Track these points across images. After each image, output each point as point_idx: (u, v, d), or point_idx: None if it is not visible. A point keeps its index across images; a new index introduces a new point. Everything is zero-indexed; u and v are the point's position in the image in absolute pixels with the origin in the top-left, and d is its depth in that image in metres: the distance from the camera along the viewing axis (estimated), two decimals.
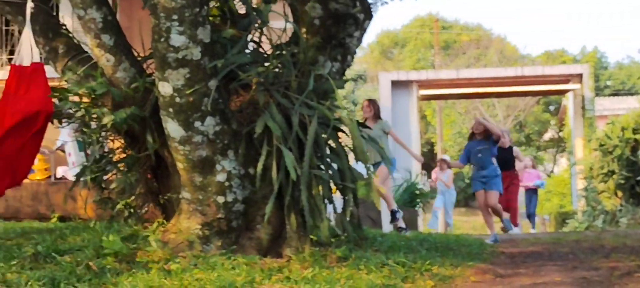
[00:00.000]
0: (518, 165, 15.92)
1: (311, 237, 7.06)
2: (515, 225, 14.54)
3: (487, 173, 11.24)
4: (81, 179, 8.02)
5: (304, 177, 6.80)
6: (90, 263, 6.44)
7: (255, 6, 7.31)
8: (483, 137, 11.33)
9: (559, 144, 39.75)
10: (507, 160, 13.90)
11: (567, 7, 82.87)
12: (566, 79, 24.95)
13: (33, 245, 7.02)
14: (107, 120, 7.15)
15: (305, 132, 6.96)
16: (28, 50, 7.91)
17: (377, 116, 12.21)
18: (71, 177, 11.60)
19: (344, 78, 7.97)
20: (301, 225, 7.07)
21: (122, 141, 7.91)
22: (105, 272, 6.29)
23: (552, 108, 42.91)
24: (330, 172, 7.24)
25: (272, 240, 7.03)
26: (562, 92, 26.97)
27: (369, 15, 7.94)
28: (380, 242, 8.45)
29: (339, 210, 7.44)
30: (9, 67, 15.00)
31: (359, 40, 7.97)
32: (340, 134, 7.53)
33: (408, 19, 63.10)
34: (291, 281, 6.15)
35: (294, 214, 6.98)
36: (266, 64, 7.18)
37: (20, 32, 15.16)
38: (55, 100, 7.65)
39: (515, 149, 16.39)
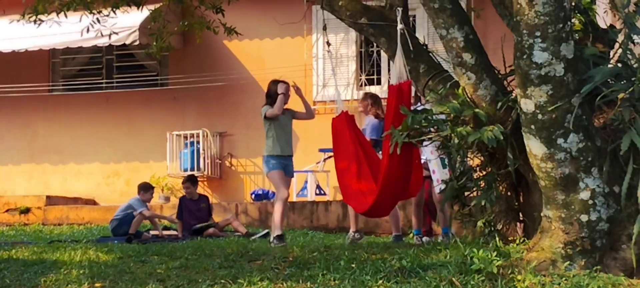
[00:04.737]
0: None
1: None
2: None
3: None
4: (445, 197, 8.21)
5: None
6: (454, 280, 6.55)
7: (625, 14, 7.05)
8: None
9: None
10: None
11: None
12: None
13: (397, 259, 7.27)
14: (472, 138, 7.23)
15: None
16: (402, 69, 8.27)
17: None
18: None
19: None
20: None
21: (482, 158, 7.97)
22: None
23: None
24: None
25: (639, 260, 6.74)
26: None
27: None
28: None
29: None
30: (367, 88, 15.86)
31: None
32: None
33: None
34: None
35: None
36: (632, 79, 6.90)
37: (379, 53, 15.93)
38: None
39: None
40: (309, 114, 10.74)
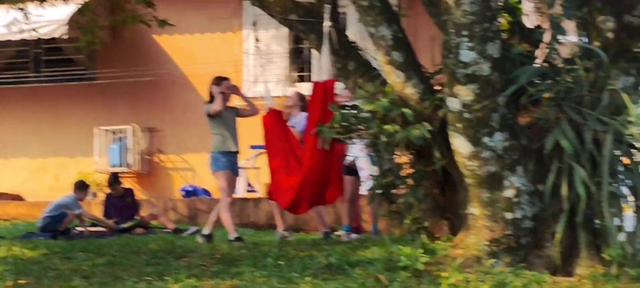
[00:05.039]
0: None
1: (603, 256, 6.81)
2: None
3: None
4: (373, 194, 8.25)
5: (604, 196, 6.56)
6: (380, 276, 6.57)
7: (551, 14, 7.16)
8: None
9: None
10: None
11: None
12: None
13: (325, 257, 7.28)
14: (400, 137, 7.28)
15: (598, 148, 6.72)
16: (327, 66, 8.28)
17: None
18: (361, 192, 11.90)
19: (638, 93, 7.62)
20: (593, 244, 6.82)
21: (410, 156, 8.02)
22: (394, 285, 6.40)
23: None
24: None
25: (563, 258, 6.84)
26: None
27: None
28: None
29: (628, 229, 7.11)
30: (299, 84, 15.83)
31: None
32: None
33: None
34: None
35: (585, 233, 6.76)
36: (557, 79, 7.01)
37: (310, 50, 15.91)
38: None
39: None
40: (253, 111, 10.67)
